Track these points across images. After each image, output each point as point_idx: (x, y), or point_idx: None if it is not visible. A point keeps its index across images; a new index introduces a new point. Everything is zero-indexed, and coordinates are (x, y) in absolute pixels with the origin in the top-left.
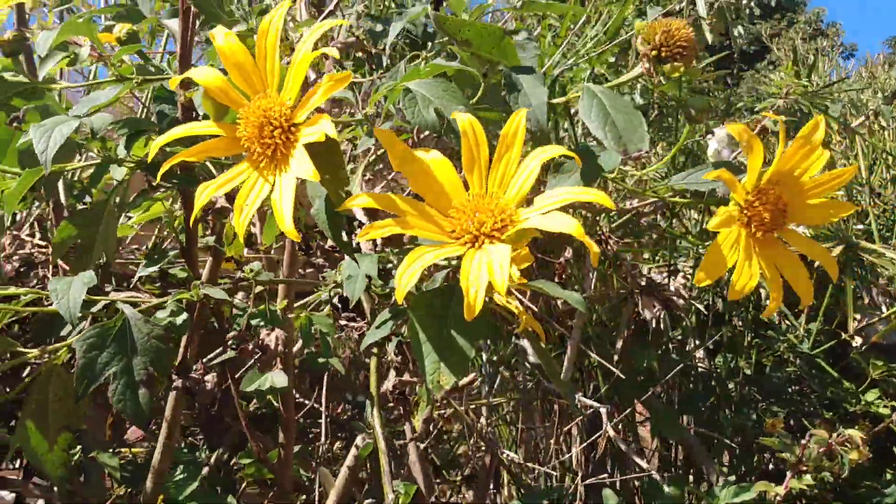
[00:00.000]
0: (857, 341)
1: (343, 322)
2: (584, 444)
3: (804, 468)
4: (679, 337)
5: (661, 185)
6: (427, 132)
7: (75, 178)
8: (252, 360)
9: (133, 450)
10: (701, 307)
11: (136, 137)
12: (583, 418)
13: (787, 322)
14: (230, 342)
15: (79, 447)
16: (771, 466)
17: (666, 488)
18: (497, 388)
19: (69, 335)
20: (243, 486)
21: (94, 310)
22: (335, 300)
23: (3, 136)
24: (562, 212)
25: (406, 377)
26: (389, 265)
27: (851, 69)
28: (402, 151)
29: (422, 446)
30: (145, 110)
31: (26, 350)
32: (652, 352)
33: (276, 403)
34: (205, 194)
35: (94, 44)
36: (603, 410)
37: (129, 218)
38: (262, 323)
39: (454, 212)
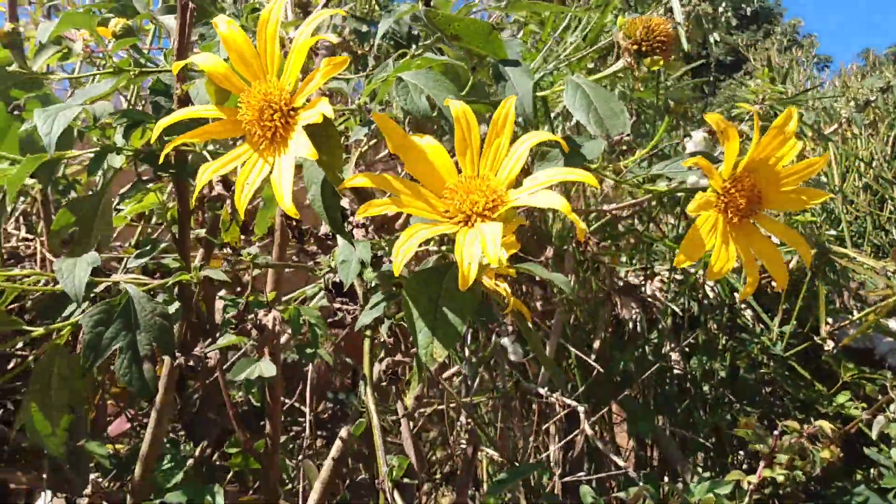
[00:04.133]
0: (829, 344)
1: (337, 305)
2: (562, 443)
3: (776, 460)
4: (655, 340)
5: (640, 173)
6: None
7: (60, 175)
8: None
9: (116, 446)
10: (677, 309)
11: (133, 128)
12: (560, 419)
13: (762, 325)
14: (224, 324)
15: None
16: (745, 466)
17: (640, 485)
18: (476, 389)
19: (70, 316)
20: (227, 477)
21: (97, 290)
22: (329, 285)
23: (2, 123)
24: (549, 190)
25: (398, 357)
26: (381, 252)
27: (826, 79)
28: (399, 135)
29: (413, 426)
30: (139, 104)
31: (31, 328)
32: (628, 353)
33: (259, 398)
34: (206, 173)
35: (93, 35)
36: (580, 409)
37: (119, 211)
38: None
39: (448, 192)
